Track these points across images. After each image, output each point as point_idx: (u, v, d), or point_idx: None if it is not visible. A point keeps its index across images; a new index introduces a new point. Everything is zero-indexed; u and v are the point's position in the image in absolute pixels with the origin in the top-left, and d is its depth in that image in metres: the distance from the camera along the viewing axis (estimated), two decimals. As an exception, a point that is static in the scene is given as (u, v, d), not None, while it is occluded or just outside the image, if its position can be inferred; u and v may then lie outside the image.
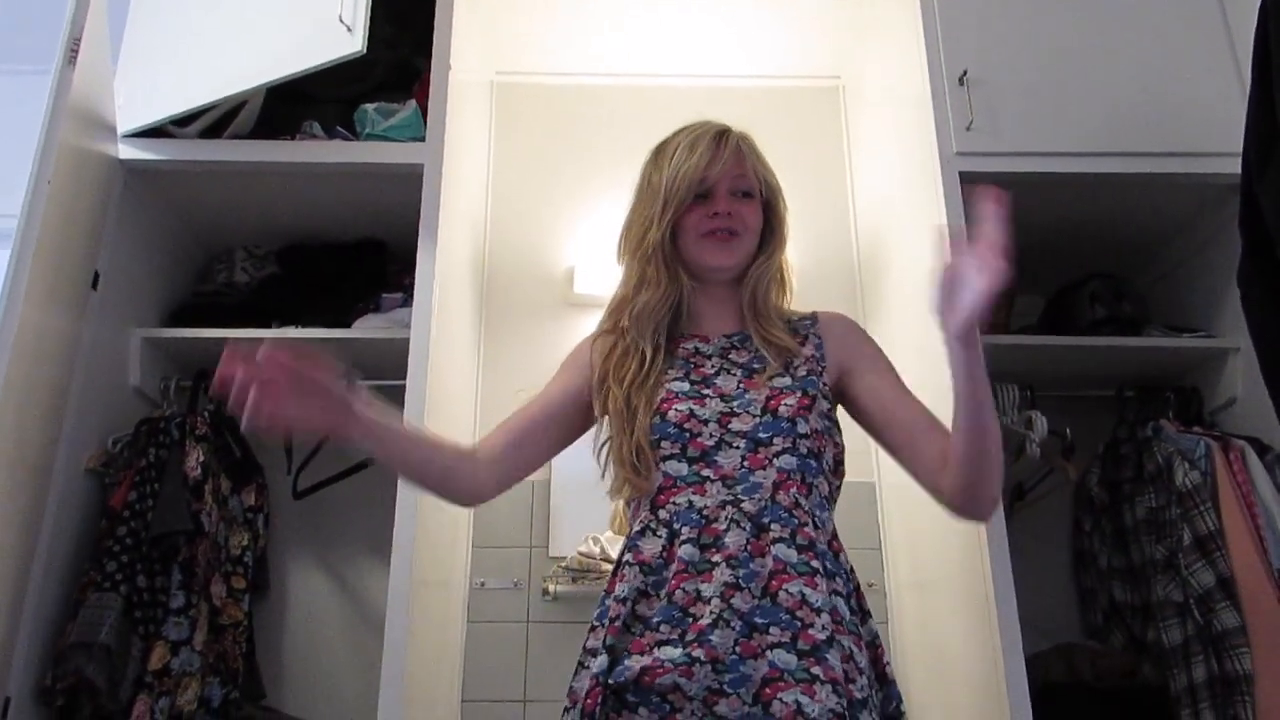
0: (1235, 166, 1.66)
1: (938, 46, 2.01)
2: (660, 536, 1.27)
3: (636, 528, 1.31)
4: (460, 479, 1.36)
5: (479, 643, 2.20)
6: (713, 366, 1.38)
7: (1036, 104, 1.98)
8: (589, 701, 1.18)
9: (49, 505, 1.71)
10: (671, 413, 1.32)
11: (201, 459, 1.91)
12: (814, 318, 1.48)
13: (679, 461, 1.29)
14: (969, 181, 1.89)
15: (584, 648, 1.27)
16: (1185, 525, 1.82)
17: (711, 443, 1.29)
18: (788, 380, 1.34)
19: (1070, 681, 1.85)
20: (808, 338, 1.43)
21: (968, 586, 1.77)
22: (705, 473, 1.27)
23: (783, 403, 1.30)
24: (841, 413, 1.42)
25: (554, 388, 1.45)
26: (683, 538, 1.24)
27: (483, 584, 2.24)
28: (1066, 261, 2.22)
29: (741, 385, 1.34)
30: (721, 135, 1.44)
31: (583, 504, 2.27)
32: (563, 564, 2.19)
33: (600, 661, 1.20)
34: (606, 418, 1.39)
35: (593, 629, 1.27)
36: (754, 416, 1.30)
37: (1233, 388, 2.03)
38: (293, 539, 2.23)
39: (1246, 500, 1.80)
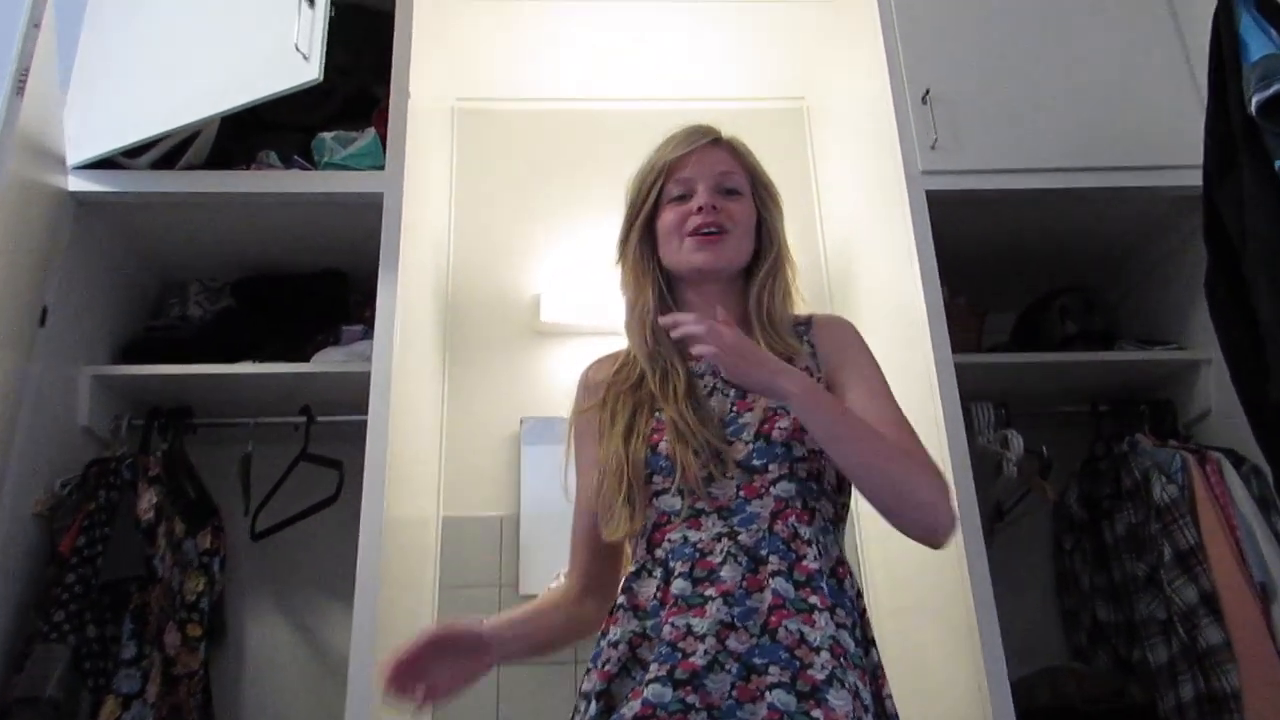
0: (1197, 178, 1.72)
1: (899, 65, 2.06)
2: (655, 577, 1.23)
3: (632, 568, 1.27)
4: (583, 625, 1.34)
5: (448, 687, 2.17)
6: (706, 386, 1.33)
7: (999, 121, 2.03)
8: None
9: (-7, 552, 1.68)
10: (663, 444, 1.27)
11: (154, 501, 1.88)
12: (809, 322, 1.43)
13: (672, 496, 1.25)
14: (936, 200, 1.94)
15: (579, 691, 1.24)
16: (1165, 541, 1.85)
17: (704, 474, 1.23)
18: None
19: (1057, 705, 1.85)
20: (803, 343, 1.38)
21: (949, 611, 1.78)
22: (700, 505, 1.23)
23: (776, 425, 1.25)
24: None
25: (586, 477, 1.39)
26: (676, 573, 1.20)
27: (451, 625, 2.21)
28: (1035, 277, 2.28)
29: (735, 408, 1.29)
30: (701, 130, 1.42)
31: (555, 538, 2.19)
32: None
33: (592, 710, 1.16)
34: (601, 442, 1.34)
35: (587, 671, 1.23)
36: (746, 444, 1.25)
37: (1206, 399, 2.07)
38: (251, 583, 2.20)
39: (1225, 513, 1.83)
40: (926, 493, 1.19)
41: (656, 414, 1.31)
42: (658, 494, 1.26)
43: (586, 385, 1.44)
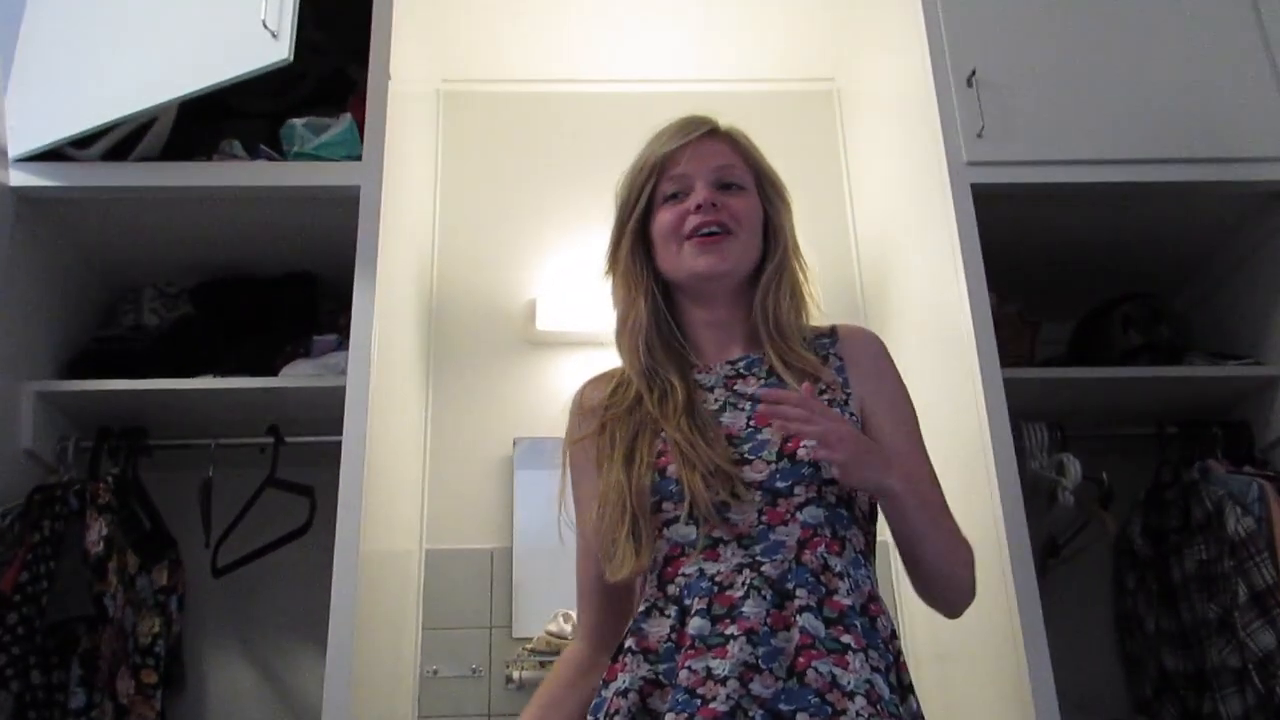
0: (1277, 172, 1.72)
1: (942, 43, 2.07)
2: (669, 616, 1.23)
3: (642, 607, 1.27)
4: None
5: (432, 741, 2.19)
6: (716, 401, 1.33)
7: (1055, 107, 2.05)
8: None
9: (-75, 590, 1.70)
10: (670, 468, 1.27)
11: (105, 532, 1.90)
12: (834, 334, 1.43)
13: (685, 525, 1.24)
14: (982, 195, 1.95)
15: None
16: (1240, 579, 1.86)
17: (721, 498, 1.23)
18: None
19: (1117, 764, 1.86)
20: (828, 358, 1.38)
21: (997, 657, 1.79)
22: (717, 534, 1.23)
23: (802, 443, 1.24)
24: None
25: (586, 513, 1.38)
26: (693, 611, 1.20)
27: (435, 671, 2.23)
28: (1095, 282, 2.28)
29: (752, 423, 1.29)
30: (696, 120, 1.42)
31: (550, 575, 2.28)
32: (528, 646, 2.19)
33: None
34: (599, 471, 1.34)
35: None
36: (769, 463, 1.25)
37: (1287, 421, 2.08)
38: (212, 624, 2.22)
39: (1308, 549, 1.83)
40: (970, 580, 1.33)
41: (661, 436, 1.30)
42: (668, 523, 1.26)
43: (581, 409, 1.44)
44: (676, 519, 1.25)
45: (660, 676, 1.20)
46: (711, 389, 1.35)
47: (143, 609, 1.99)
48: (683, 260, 1.37)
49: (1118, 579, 2.23)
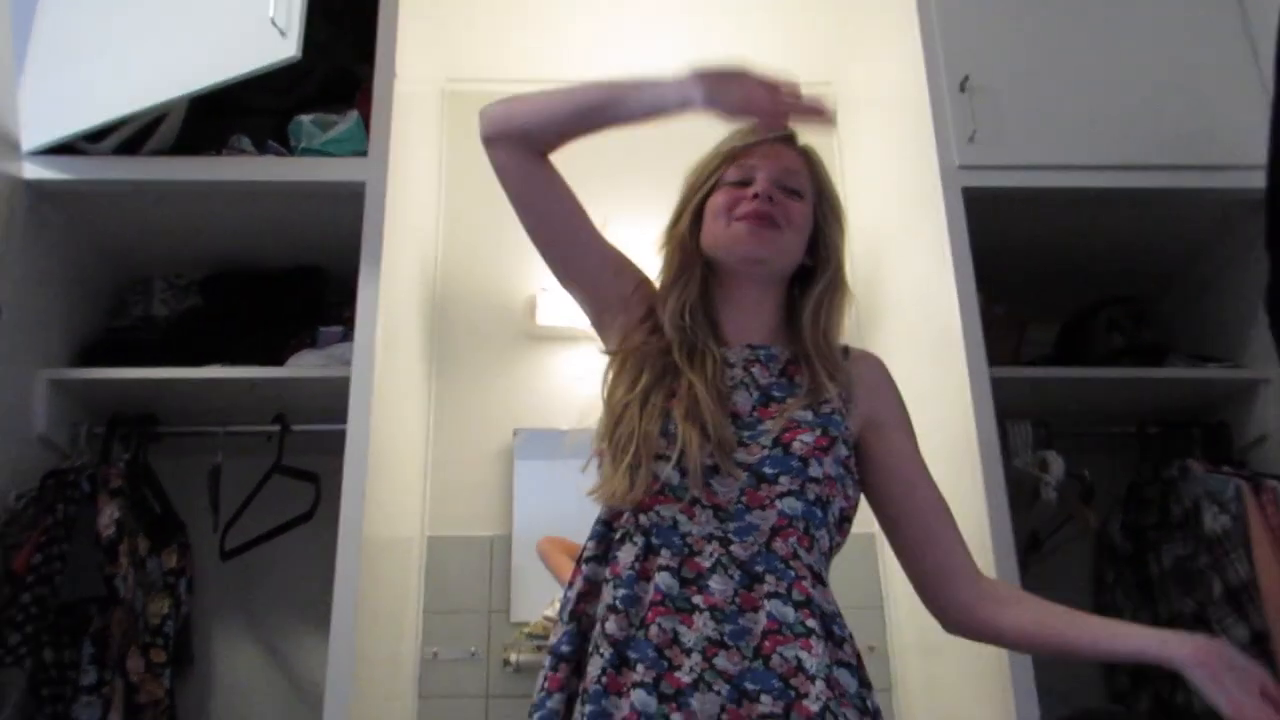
0: (1259, 180, 1.72)
1: (936, 49, 2.08)
2: (636, 544, 1.24)
3: (617, 535, 1.28)
4: None
5: (432, 720, 2.21)
6: (732, 378, 1.34)
7: (1045, 112, 2.05)
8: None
9: (-58, 571, 1.72)
10: (675, 411, 1.28)
11: (116, 516, 1.92)
12: (846, 353, 1.45)
13: (672, 468, 1.25)
14: (973, 198, 1.96)
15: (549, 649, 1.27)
16: (1215, 575, 1.88)
17: (710, 463, 1.25)
18: (809, 415, 1.30)
19: (1092, 752, 1.89)
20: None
21: (978, 649, 1.79)
22: (696, 493, 1.24)
23: (798, 438, 1.26)
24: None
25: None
26: (661, 561, 1.22)
27: (435, 654, 2.25)
28: (1081, 285, 2.29)
29: (757, 411, 1.31)
30: (776, 130, 1.43)
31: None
32: (526, 630, 2.21)
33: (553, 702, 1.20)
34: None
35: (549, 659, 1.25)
36: (763, 448, 1.26)
37: (1264, 422, 2.09)
38: (219, 606, 2.24)
39: (1282, 546, 1.85)
40: None
41: (672, 386, 1.32)
42: (658, 457, 1.26)
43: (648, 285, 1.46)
44: (667, 458, 1.26)
45: (617, 602, 1.21)
46: (732, 365, 1.36)
47: (152, 590, 2.01)
48: (728, 235, 1.38)
49: (1097, 573, 2.24)
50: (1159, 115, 2.05)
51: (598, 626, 1.22)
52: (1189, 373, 2.15)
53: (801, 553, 1.24)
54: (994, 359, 1.89)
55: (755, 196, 1.37)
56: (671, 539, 1.23)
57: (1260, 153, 1.74)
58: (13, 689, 1.72)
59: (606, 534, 1.29)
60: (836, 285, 1.43)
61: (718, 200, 1.40)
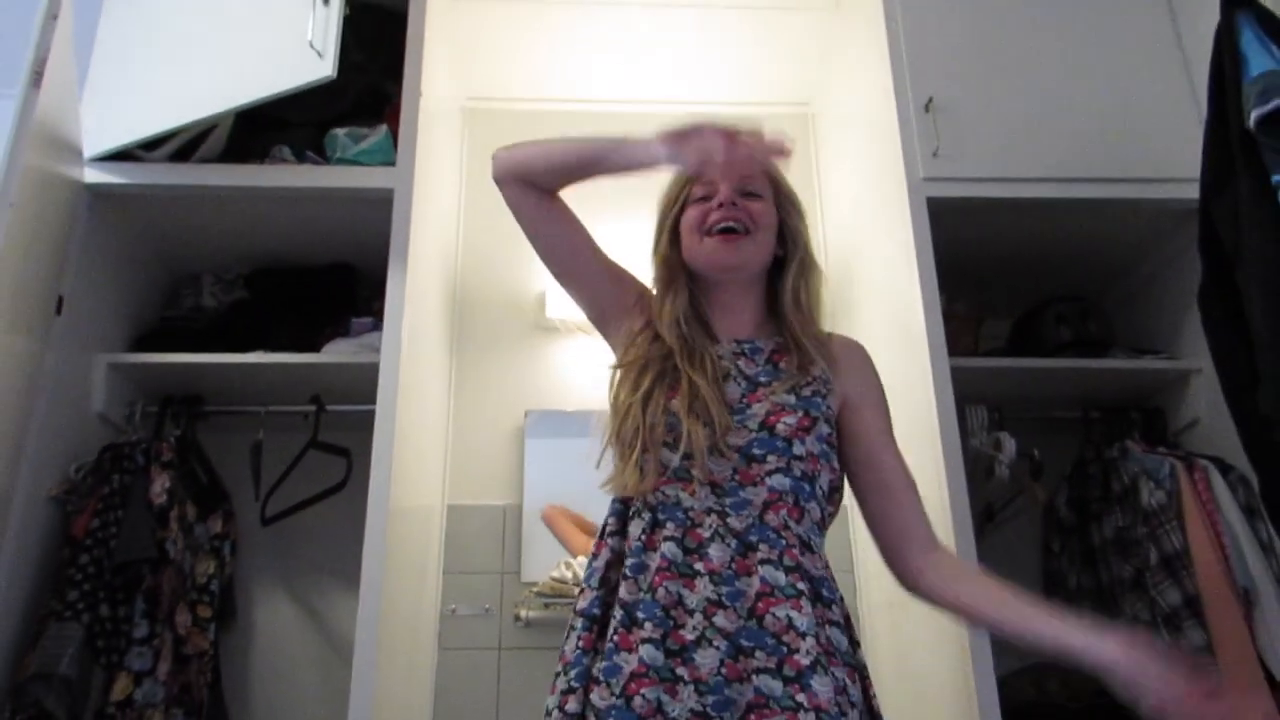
0: (1194, 191, 1.70)
1: (904, 73, 2.04)
2: (643, 519, 1.24)
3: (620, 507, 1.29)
4: None
5: (450, 670, 2.18)
6: (723, 372, 1.33)
7: (1000, 130, 2.01)
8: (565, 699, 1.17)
9: (9, 533, 1.67)
10: (675, 402, 1.27)
11: (167, 486, 1.88)
12: (828, 338, 1.43)
13: (671, 451, 1.24)
14: (936, 207, 1.92)
15: (574, 610, 1.25)
16: (1152, 544, 1.84)
17: (707, 445, 1.24)
18: (791, 398, 1.29)
19: (1041, 701, 1.86)
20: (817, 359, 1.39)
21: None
22: (694, 472, 1.23)
23: (782, 420, 1.26)
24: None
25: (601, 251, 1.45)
26: (666, 532, 1.21)
27: (454, 610, 2.22)
28: (1033, 284, 2.26)
29: (745, 399, 1.30)
30: (736, 178, 1.42)
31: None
32: (535, 589, 2.17)
33: (571, 679, 1.18)
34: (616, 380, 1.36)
35: (580, 591, 1.25)
36: (750, 431, 1.25)
37: (1196, 408, 2.06)
38: (260, 567, 2.20)
39: (1211, 519, 1.81)
40: None
41: (674, 383, 1.31)
42: (665, 443, 1.26)
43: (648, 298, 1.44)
44: (666, 445, 1.25)
45: (627, 571, 1.21)
46: (721, 359, 1.35)
47: (199, 553, 1.97)
48: (703, 251, 1.38)
49: (1045, 542, 2.21)
50: (1102, 133, 2.02)
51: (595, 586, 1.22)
52: (1128, 363, 2.12)
53: (792, 524, 1.23)
54: (953, 351, 1.86)
55: (720, 206, 1.37)
56: (675, 513, 1.22)
57: (1191, 167, 1.72)
58: (72, 641, 1.67)
59: (623, 511, 1.28)
60: (807, 266, 1.42)
61: (690, 217, 1.40)
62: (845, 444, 1.35)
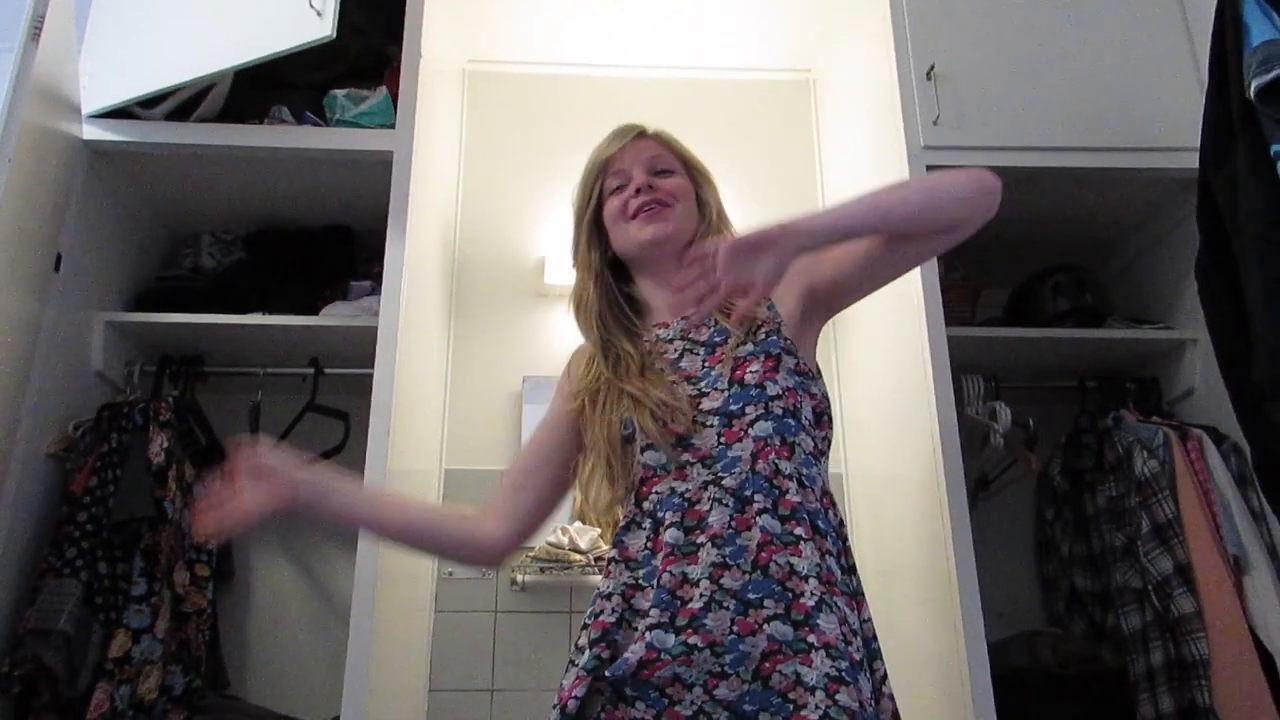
0: (1193, 161, 1.69)
1: (906, 41, 2.02)
2: (644, 528, 1.25)
3: (622, 523, 1.30)
4: (471, 541, 1.35)
5: (446, 632, 2.19)
6: (675, 350, 1.36)
7: (1002, 99, 2.01)
8: (568, 693, 1.17)
9: (7, 489, 1.68)
10: (627, 410, 1.30)
11: (165, 445, 1.88)
12: None
13: (657, 450, 1.27)
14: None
15: (575, 645, 1.26)
16: (1144, 513, 1.85)
17: (683, 428, 1.27)
18: (749, 346, 1.31)
19: (1032, 668, 1.87)
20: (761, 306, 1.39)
21: (932, 574, 1.79)
22: (685, 458, 1.25)
23: (748, 370, 1.28)
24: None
25: (545, 419, 1.45)
26: (667, 523, 1.22)
27: (450, 574, 2.23)
28: (1031, 254, 2.25)
29: (706, 363, 1.32)
30: (628, 127, 1.47)
31: (551, 494, 2.26)
32: (531, 554, 2.18)
33: (587, 657, 1.18)
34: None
35: (584, 627, 1.26)
36: (722, 391, 1.28)
37: (1191, 378, 2.07)
38: (258, 527, 2.20)
39: (1204, 488, 1.83)
40: (966, 188, 1.34)
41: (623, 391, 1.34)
42: (642, 449, 1.28)
43: (569, 374, 1.47)
44: (650, 446, 1.28)
45: (640, 580, 1.23)
46: (671, 340, 1.37)
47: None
48: (632, 234, 1.40)
49: (1038, 510, 2.23)
50: (1105, 102, 2.01)
51: (610, 601, 1.23)
52: (1125, 333, 2.13)
53: (782, 465, 1.24)
54: (951, 320, 1.86)
55: (638, 191, 1.40)
56: (672, 502, 1.24)
57: (1192, 137, 1.71)
58: (70, 597, 1.68)
59: (620, 536, 1.29)
60: (712, 230, 1.43)
61: (611, 208, 1.43)
62: (843, 286, 1.36)
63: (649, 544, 1.24)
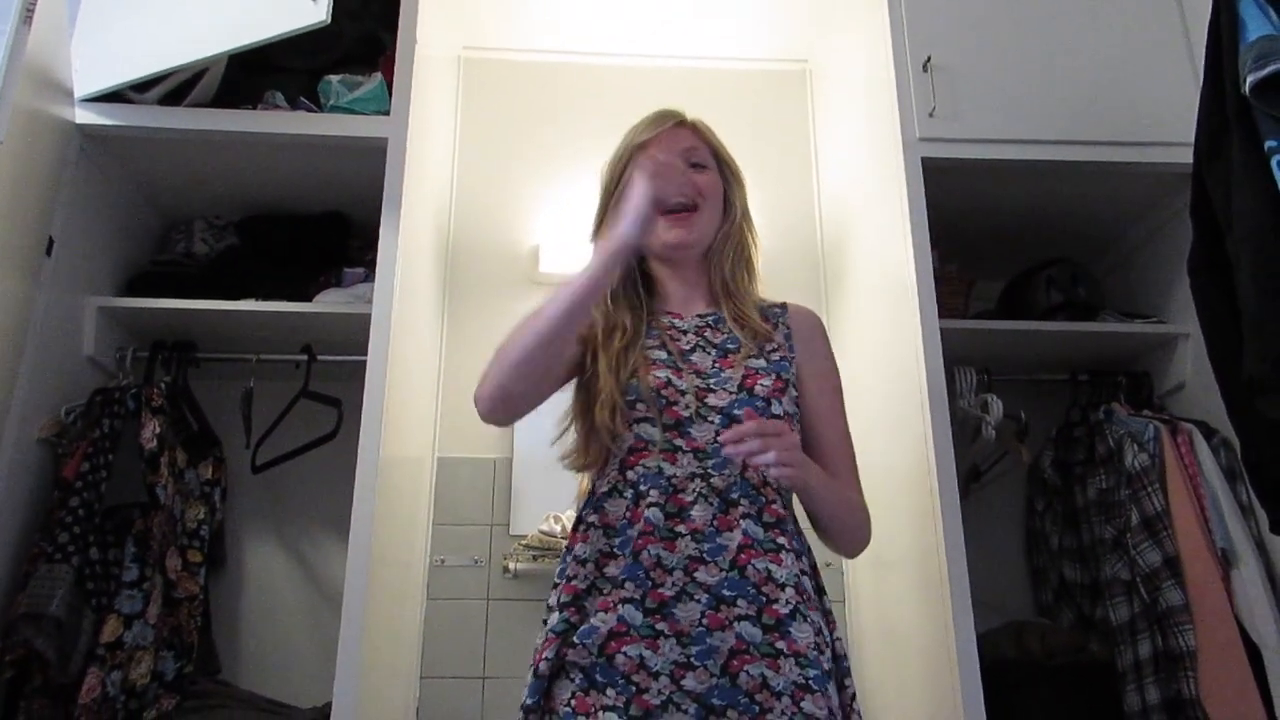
0: (1188, 156, 1.70)
1: (903, 32, 2.02)
2: (625, 498, 1.27)
3: (603, 488, 1.31)
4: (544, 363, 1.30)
5: (438, 620, 2.20)
6: (688, 343, 1.37)
7: (997, 91, 2.00)
8: (539, 655, 1.20)
9: (-2, 473, 1.67)
10: (650, 377, 1.31)
11: (157, 431, 1.88)
12: (784, 307, 1.48)
13: (652, 426, 1.28)
14: (931, 168, 1.92)
15: (546, 605, 1.28)
16: (1134, 506, 1.87)
17: (687, 414, 1.28)
18: (762, 362, 1.34)
19: (1020, 658, 1.88)
20: (778, 325, 1.43)
21: (922, 565, 1.80)
22: (678, 442, 1.27)
23: (759, 383, 1.31)
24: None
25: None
26: (649, 500, 1.24)
27: (443, 561, 2.23)
28: (1024, 247, 2.26)
29: (717, 364, 1.34)
30: (668, 113, 1.46)
31: (544, 483, 2.27)
32: (523, 542, 2.19)
33: (556, 619, 1.21)
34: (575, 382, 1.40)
35: (554, 585, 1.28)
36: (730, 393, 1.30)
37: (1182, 372, 2.07)
38: (251, 514, 2.21)
39: (1193, 482, 1.84)
40: (865, 535, 1.38)
41: (646, 350, 1.34)
42: (638, 420, 1.29)
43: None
44: (646, 420, 1.29)
45: (614, 548, 1.25)
46: (685, 332, 1.39)
47: (190, 498, 1.97)
48: (657, 232, 1.38)
49: (1029, 502, 2.24)
50: (1101, 96, 2.01)
51: (584, 567, 1.24)
52: (1117, 327, 2.13)
53: (769, 479, 1.27)
54: (944, 312, 1.87)
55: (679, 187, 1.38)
56: (658, 482, 1.25)
57: (1187, 132, 1.71)
58: (61, 583, 1.68)
59: (598, 501, 1.30)
60: (733, 233, 1.45)
61: None
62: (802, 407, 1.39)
63: (628, 514, 1.25)
